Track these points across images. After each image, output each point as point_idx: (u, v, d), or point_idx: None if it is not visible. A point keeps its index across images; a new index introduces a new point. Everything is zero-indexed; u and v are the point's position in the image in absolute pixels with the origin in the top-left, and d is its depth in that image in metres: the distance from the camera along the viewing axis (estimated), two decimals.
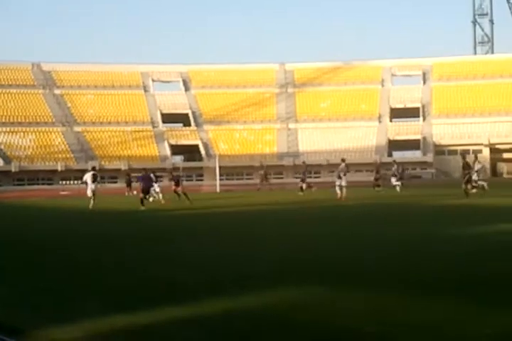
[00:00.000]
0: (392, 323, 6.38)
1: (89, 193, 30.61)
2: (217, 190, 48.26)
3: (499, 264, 9.64)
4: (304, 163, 47.76)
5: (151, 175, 32.91)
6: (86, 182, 31.64)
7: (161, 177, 40.71)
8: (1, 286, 8.99)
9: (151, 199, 33.29)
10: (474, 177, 33.70)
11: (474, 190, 32.28)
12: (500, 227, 15.28)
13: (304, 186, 40.48)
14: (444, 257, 10.57)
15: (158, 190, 34.49)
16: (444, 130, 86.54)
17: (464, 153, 32.49)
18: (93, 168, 34.37)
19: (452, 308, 6.91)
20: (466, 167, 30.64)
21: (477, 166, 35.08)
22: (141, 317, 6.78)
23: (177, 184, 33.67)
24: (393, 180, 40.03)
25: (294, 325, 6.47)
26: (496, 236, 13.38)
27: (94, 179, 31.42)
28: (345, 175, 32.22)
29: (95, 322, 6.67)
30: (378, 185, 40.35)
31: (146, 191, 30.09)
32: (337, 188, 32.24)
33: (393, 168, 41.54)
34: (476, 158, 33.78)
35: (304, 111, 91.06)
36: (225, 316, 6.81)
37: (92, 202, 29.54)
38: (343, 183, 31.91)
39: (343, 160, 33.70)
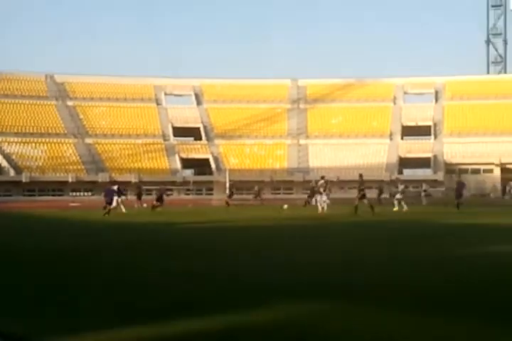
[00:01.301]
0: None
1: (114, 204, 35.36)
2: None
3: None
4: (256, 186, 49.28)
5: (115, 187, 37.62)
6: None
7: (125, 189, 45.27)
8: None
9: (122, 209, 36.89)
10: (398, 196, 35.85)
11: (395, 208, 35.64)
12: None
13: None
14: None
15: (118, 201, 37.57)
16: (456, 149, 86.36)
17: (361, 173, 33.88)
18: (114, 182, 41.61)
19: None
20: (361, 185, 32.43)
21: (400, 187, 37.20)
22: (147, 331, 6.76)
23: (158, 199, 39.95)
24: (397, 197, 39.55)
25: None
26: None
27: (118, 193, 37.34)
28: (325, 191, 34.94)
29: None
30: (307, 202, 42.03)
31: (109, 202, 34.25)
32: (319, 204, 34.67)
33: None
34: (396, 179, 39.73)
35: (315, 127, 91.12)
36: (232, 331, 6.79)
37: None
38: (319, 198, 34.82)
39: (322, 178, 36.46)
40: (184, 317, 7.38)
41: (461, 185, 40.07)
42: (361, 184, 32.26)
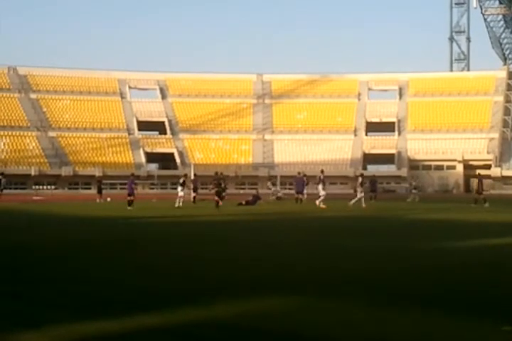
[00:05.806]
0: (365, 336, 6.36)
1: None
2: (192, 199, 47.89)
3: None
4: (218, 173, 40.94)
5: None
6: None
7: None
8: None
9: None
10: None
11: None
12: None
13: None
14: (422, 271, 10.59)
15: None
16: (419, 145, 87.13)
17: (217, 172, 37.69)
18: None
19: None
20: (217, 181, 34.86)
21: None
22: (112, 325, 6.69)
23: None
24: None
25: (268, 334, 6.42)
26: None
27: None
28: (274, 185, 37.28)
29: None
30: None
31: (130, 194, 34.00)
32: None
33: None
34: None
35: (281, 122, 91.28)
36: (197, 325, 6.74)
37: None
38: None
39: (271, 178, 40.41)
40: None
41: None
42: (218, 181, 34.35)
